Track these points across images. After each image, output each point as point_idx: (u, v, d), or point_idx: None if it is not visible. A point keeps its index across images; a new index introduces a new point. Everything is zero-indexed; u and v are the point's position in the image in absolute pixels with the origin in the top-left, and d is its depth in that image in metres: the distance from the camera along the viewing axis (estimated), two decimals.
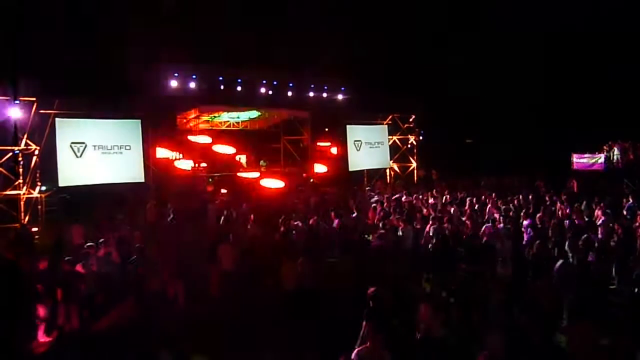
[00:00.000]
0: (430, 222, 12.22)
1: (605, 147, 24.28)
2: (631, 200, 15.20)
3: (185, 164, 19.69)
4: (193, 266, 11.52)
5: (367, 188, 21.63)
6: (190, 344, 7.95)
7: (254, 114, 22.65)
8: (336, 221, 13.05)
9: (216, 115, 22.42)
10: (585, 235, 10.48)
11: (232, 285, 10.20)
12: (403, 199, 17.38)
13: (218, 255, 10.17)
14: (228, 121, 23.99)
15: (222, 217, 13.94)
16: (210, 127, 23.88)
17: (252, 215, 13.86)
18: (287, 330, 8.15)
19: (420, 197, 17.67)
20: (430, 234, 11.58)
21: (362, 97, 22.78)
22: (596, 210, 14.17)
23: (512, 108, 27.72)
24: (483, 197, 17.48)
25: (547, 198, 17.13)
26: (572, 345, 5.68)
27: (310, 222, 13.04)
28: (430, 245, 11.13)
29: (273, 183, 20.35)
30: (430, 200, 17.08)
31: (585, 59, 26.57)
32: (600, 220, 12.98)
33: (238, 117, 23.45)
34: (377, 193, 19.95)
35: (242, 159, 24.49)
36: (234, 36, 20.16)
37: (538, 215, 13.35)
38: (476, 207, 15.26)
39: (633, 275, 8.63)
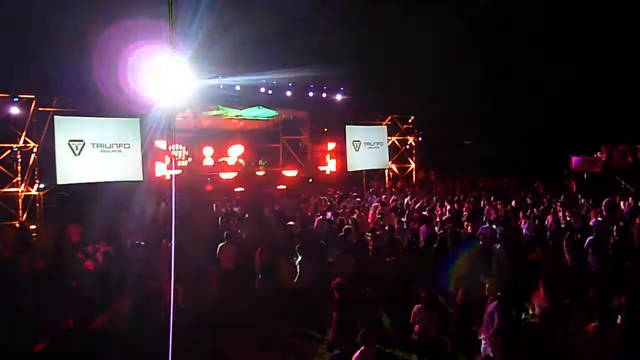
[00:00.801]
0: (427, 224, 12.26)
1: (604, 149, 24.32)
2: (632, 202, 15.22)
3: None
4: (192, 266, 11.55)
5: (371, 189, 21.63)
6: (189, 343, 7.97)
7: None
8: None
9: (214, 114, 22.36)
10: (590, 237, 10.55)
11: (231, 284, 10.23)
12: (406, 200, 17.38)
13: (218, 254, 10.16)
14: (227, 118, 23.87)
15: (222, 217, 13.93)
16: (209, 127, 23.82)
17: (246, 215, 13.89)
18: (285, 329, 8.17)
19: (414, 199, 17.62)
20: (426, 236, 11.60)
21: (361, 97, 22.78)
22: (591, 212, 14.28)
23: (511, 109, 27.76)
24: (482, 198, 17.55)
25: (545, 199, 17.20)
26: (578, 344, 5.70)
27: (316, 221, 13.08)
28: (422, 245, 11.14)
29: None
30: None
31: (583, 59, 26.62)
32: (593, 221, 13.06)
33: (240, 115, 23.40)
34: (372, 192, 19.96)
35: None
36: (233, 36, 20.14)
37: (548, 216, 13.39)
38: (473, 208, 15.29)
39: (629, 277, 8.70)
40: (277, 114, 22.73)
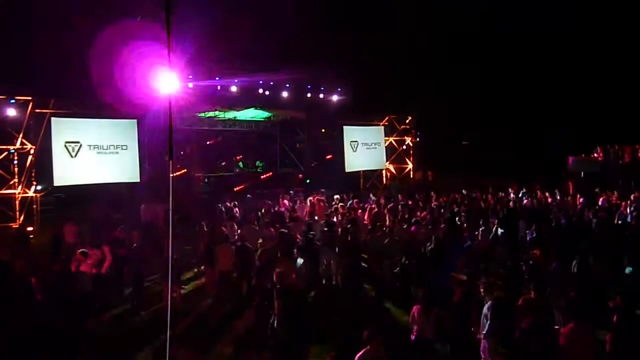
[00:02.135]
0: (425, 225, 12.27)
1: (599, 149, 24.41)
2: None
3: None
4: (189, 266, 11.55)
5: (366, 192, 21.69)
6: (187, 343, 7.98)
7: (252, 114, 22.60)
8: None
9: (213, 115, 22.37)
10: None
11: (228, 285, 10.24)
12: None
13: (215, 255, 10.15)
14: (225, 119, 23.90)
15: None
16: (207, 128, 23.84)
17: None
18: (282, 329, 8.16)
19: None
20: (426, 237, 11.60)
21: (358, 98, 22.81)
22: (586, 212, 14.34)
23: (509, 110, 27.84)
24: (480, 199, 17.56)
25: (542, 200, 17.24)
26: (564, 343, 5.71)
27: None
28: (423, 248, 11.14)
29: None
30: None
31: (581, 60, 26.72)
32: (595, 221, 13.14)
33: (235, 117, 23.42)
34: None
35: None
36: (230, 36, 20.13)
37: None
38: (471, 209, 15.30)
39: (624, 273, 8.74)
40: (270, 115, 22.77)
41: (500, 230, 12.22)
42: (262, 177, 23.14)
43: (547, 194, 18.08)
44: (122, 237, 10.89)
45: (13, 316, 7.81)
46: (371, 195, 18.92)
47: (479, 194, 18.74)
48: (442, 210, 15.12)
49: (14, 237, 13.40)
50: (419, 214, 14.23)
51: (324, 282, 11.06)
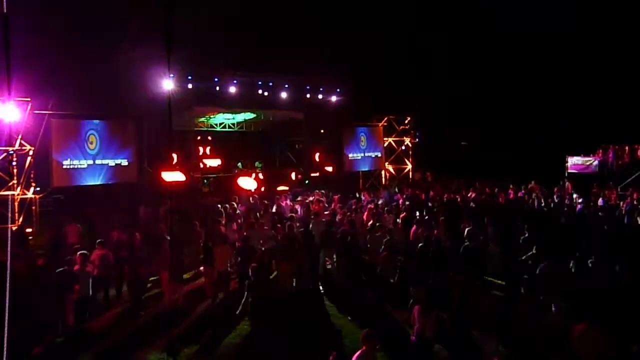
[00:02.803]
0: (424, 225, 12.26)
1: (599, 150, 24.40)
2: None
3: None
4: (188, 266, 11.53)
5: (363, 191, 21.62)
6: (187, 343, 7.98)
7: (249, 115, 22.68)
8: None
9: (211, 116, 22.40)
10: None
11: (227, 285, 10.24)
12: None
13: (214, 256, 10.13)
14: (223, 122, 23.97)
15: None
16: (206, 129, 23.85)
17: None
18: (283, 329, 8.17)
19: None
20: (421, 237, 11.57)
21: (357, 99, 22.80)
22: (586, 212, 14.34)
23: (508, 111, 27.84)
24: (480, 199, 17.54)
25: (542, 201, 17.22)
26: (576, 344, 5.70)
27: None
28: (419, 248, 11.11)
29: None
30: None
31: (581, 60, 26.72)
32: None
33: (234, 119, 23.46)
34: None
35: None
36: (230, 37, 20.14)
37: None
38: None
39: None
40: (269, 116, 22.82)
41: (491, 229, 12.21)
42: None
43: (546, 194, 18.07)
44: (122, 238, 10.91)
45: (12, 316, 7.78)
46: (362, 195, 18.89)
47: (478, 194, 18.72)
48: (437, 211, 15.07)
49: (13, 238, 13.35)
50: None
51: (324, 282, 11.06)
